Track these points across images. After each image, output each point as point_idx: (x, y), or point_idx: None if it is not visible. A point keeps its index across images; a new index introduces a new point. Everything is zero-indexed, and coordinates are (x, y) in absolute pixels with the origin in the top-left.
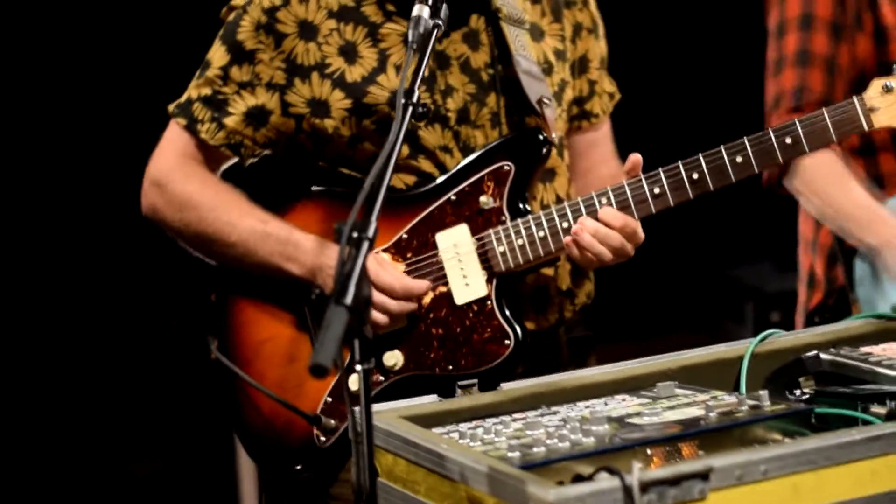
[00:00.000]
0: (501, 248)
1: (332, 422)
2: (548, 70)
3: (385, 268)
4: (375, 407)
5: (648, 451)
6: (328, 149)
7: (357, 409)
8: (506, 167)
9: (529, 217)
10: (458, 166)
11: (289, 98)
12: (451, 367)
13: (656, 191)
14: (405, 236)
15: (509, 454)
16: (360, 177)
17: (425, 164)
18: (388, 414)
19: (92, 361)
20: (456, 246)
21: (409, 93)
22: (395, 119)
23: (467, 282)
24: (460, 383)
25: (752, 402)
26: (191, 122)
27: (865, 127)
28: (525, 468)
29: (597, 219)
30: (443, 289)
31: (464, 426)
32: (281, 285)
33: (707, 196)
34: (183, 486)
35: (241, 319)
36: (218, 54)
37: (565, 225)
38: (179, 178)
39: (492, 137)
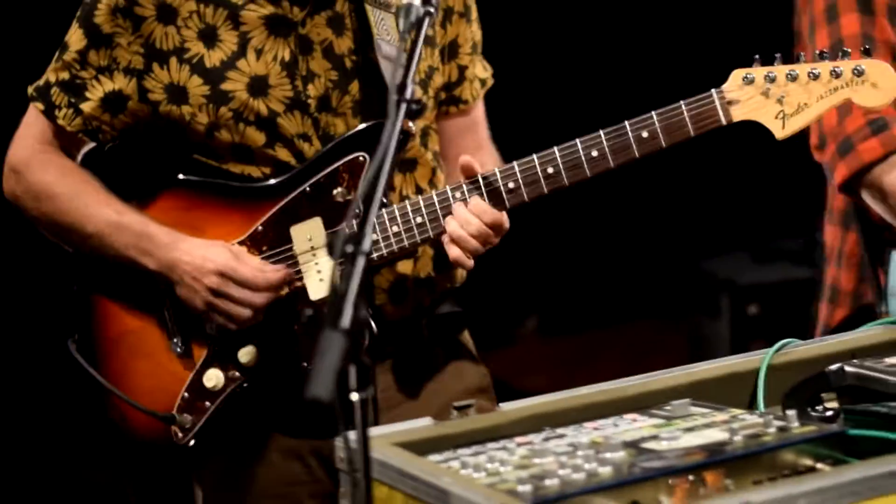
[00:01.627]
0: None
1: (189, 418)
2: None
3: (243, 260)
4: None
5: (670, 482)
6: (186, 136)
7: (351, 436)
8: (360, 158)
9: (383, 212)
10: (314, 156)
11: (146, 83)
12: (305, 363)
13: (510, 185)
14: (260, 228)
15: (519, 488)
16: (217, 166)
17: (282, 153)
18: (380, 441)
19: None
20: (311, 240)
21: (401, 88)
22: (388, 118)
23: (321, 277)
24: (456, 404)
25: (779, 424)
26: (48, 108)
27: (724, 121)
28: None
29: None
30: (298, 283)
31: (464, 452)
32: (139, 277)
33: (677, 187)
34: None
35: (101, 313)
36: (75, 37)
37: (419, 220)
38: (36, 165)
39: (353, 126)
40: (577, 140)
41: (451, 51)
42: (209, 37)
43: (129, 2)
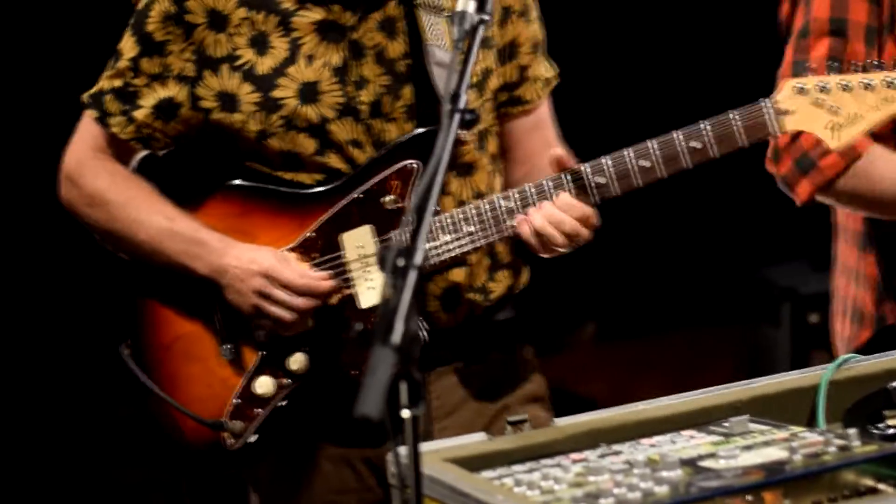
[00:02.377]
0: None
1: (239, 424)
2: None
3: (287, 263)
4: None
5: (728, 502)
6: (238, 143)
7: (402, 452)
8: (411, 165)
9: (434, 220)
10: (365, 163)
11: (198, 91)
12: (356, 372)
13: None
14: (311, 235)
15: None
16: (269, 172)
17: (334, 160)
18: (431, 456)
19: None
20: (361, 247)
21: (455, 98)
22: (441, 128)
23: (371, 285)
24: (510, 419)
25: (839, 442)
26: (102, 115)
27: (775, 131)
28: None
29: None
30: (348, 291)
31: (518, 469)
32: (190, 283)
33: (740, 193)
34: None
35: (153, 318)
36: (128, 45)
37: (470, 229)
38: (90, 172)
39: (405, 132)
40: (625, 150)
41: (510, 51)
42: (260, 43)
43: (180, 9)
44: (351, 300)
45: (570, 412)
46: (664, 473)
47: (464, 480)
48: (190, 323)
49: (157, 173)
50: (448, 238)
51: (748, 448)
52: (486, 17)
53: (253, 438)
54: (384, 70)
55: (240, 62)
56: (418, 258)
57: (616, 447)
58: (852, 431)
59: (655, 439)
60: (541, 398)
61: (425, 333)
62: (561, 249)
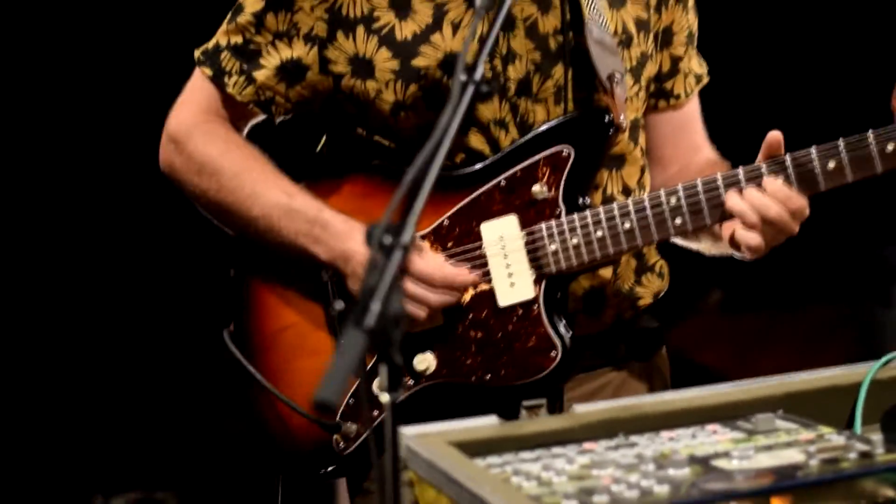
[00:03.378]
0: (553, 247)
1: (353, 426)
2: (626, 42)
3: (423, 255)
4: (423, 428)
5: None
6: (369, 114)
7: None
8: (565, 152)
9: (587, 213)
10: (512, 146)
11: (329, 53)
12: (488, 376)
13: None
14: (446, 222)
15: (564, 503)
16: (398, 149)
17: (475, 140)
18: (436, 438)
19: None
20: (502, 239)
21: (471, 69)
22: (450, 99)
23: (513, 281)
24: (525, 403)
25: (862, 448)
26: (218, 73)
27: None
28: None
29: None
30: (484, 286)
31: (525, 456)
32: (306, 267)
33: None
34: None
35: (260, 302)
36: None
37: (627, 226)
38: (200, 136)
39: (554, 114)
40: (813, 149)
41: (664, 38)
42: (402, 6)
43: None
44: (488, 297)
45: (688, 381)
46: (670, 471)
47: (458, 466)
48: (303, 311)
49: (272, 144)
50: (601, 234)
51: (767, 448)
52: None
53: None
54: (535, 45)
55: (378, 24)
56: (406, 236)
57: (634, 438)
58: (877, 438)
59: (677, 432)
60: None
61: (565, 340)
62: (767, 243)
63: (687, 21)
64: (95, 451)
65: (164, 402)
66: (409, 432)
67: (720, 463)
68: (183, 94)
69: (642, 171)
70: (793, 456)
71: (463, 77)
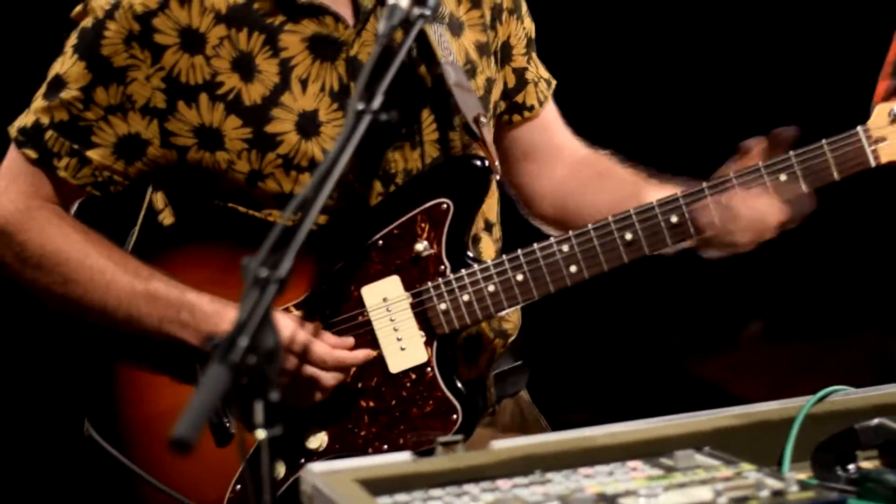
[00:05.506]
0: (443, 306)
1: None
2: (471, 71)
3: (308, 331)
4: (333, 464)
5: None
6: (221, 184)
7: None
8: (443, 205)
9: (476, 267)
10: (383, 201)
11: (171, 126)
12: (385, 446)
13: (628, 237)
14: (322, 289)
15: None
16: (261, 217)
17: (339, 199)
18: (344, 476)
19: None
20: (387, 301)
21: (368, 97)
22: (344, 130)
23: (402, 345)
24: (441, 439)
25: (776, 486)
26: (44, 156)
27: (872, 162)
28: None
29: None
30: (373, 353)
31: (434, 493)
32: (170, 349)
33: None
34: None
35: (124, 390)
36: (76, 70)
37: (520, 277)
38: (32, 226)
39: (412, 161)
40: (704, 184)
41: (503, 54)
42: (246, 68)
43: (146, 27)
44: (378, 364)
45: None
46: None
47: None
48: (177, 395)
49: (103, 220)
50: (493, 289)
51: (680, 486)
52: (427, 13)
53: None
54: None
55: (222, 90)
56: (283, 270)
57: (550, 475)
58: (790, 476)
59: (595, 469)
60: None
61: (464, 400)
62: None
63: (523, 29)
64: None
65: None
66: (316, 469)
67: (626, 501)
68: (1, 176)
69: (498, 202)
70: (701, 494)
71: (360, 106)
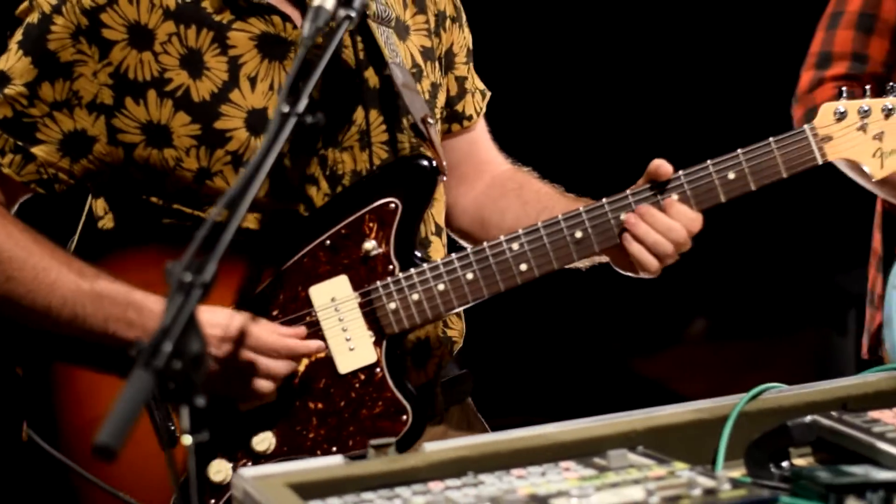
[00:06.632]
0: (393, 305)
1: None
2: (417, 75)
3: (257, 322)
4: (264, 469)
5: None
6: (166, 182)
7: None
8: (391, 205)
9: (425, 266)
10: (330, 202)
11: (117, 122)
12: (334, 448)
13: (578, 235)
14: (268, 290)
15: None
16: (206, 217)
17: (286, 199)
18: (275, 480)
19: None
20: (335, 301)
21: (294, 100)
22: (268, 131)
23: (351, 346)
24: (373, 442)
25: (708, 484)
26: None
27: (819, 160)
28: None
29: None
30: (321, 354)
31: (367, 496)
32: (112, 350)
33: (818, 199)
34: None
35: (64, 392)
36: (21, 66)
37: (470, 276)
38: None
39: (361, 162)
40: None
41: (447, 61)
42: (194, 65)
43: (93, 22)
44: (326, 364)
45: None
46: None
47: None
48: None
49: (47, 219)
50: (442, 287)
51: (612, 486)
52: (352, 14)
53: None
54: (333, 87)
55: (171, 87)
56: (208, 274)
57: (483, 477)
58: (722, 474)
59: (528, 470)
60: None
61: (413, 400)
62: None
63: (464, 38)
64: None
65: None
66: (247, 473)
67: (558, 502)
68: None
69: (445, 207)
70: (634, 494)
71: (285, 108)
